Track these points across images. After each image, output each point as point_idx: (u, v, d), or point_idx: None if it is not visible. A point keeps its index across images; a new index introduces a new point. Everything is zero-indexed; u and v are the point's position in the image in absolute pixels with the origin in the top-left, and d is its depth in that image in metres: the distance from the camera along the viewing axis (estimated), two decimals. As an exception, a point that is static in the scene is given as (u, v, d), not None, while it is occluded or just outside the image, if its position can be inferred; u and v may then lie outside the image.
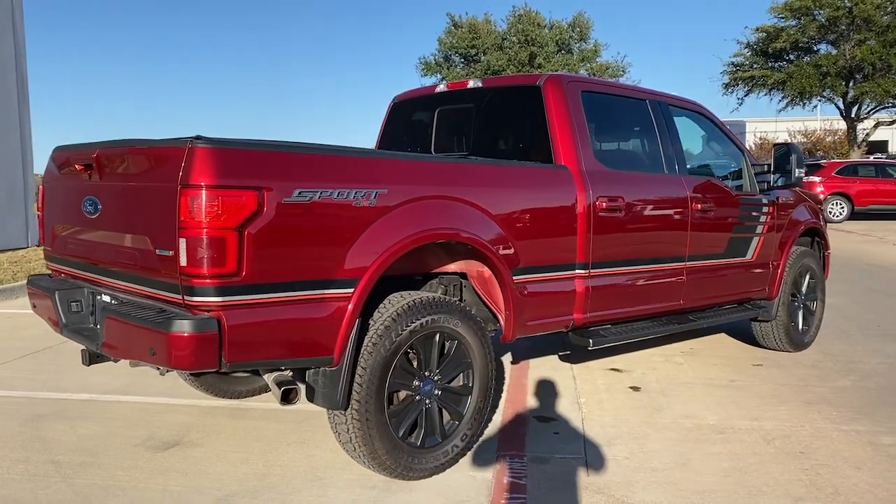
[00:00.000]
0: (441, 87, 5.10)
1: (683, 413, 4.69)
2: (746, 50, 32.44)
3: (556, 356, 6.10)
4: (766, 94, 32.43)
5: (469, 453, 3.94)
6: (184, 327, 2.85)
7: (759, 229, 5.71)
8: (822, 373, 5.72)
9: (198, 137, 2.90)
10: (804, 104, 32.01)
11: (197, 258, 2.84)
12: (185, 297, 2.92)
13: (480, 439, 4.17)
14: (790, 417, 4.63)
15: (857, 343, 6.72)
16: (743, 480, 3.66)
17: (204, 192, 2.83)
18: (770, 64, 31.99)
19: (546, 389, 5.21)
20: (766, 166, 5.64)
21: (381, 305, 3.51)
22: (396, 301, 3.53)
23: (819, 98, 31.68)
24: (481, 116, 5.03)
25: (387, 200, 3.34)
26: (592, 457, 3.96)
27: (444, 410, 3.76)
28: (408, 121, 5.44)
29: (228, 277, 2.88)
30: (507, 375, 5.58)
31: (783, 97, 31.70)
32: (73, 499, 3.38)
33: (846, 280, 10.71)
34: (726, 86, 33.41)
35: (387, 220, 3.33)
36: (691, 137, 5.66)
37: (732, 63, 33.10)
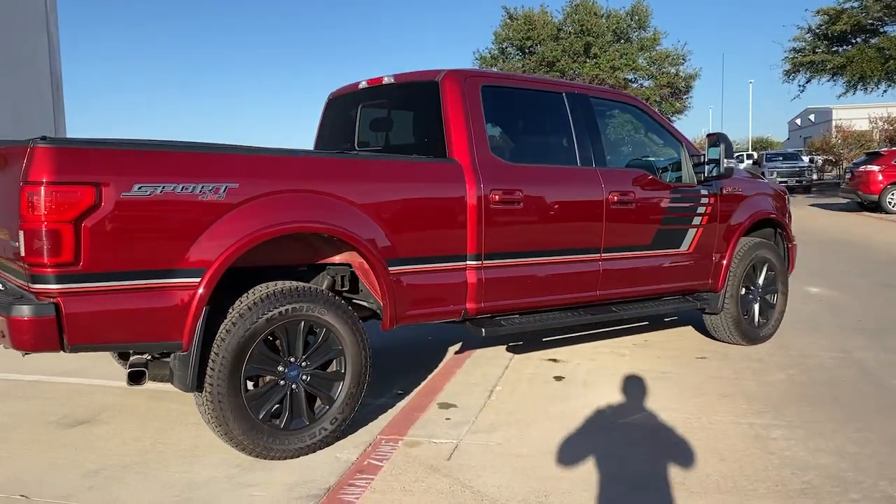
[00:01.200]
0: (363, 84, 5.25)
1: (587, 404, 4.71)
2: (808, 34, 31.05)
3: (504, 346, 6.19)
4: (828, 80, 31.00)
5: (352, 435, 4.12)
6: (22, 312, 3.13)
7: (697, 220, 5.64)
8: (764, 367, 5.62)
9: (43, 138, 3.16)
10: (866, 89, 30.43)
11: (34, 249, 3.11)
12: (30, 285, 3.20)
13: (371, 422, 4.35)
14: (694, 410, 4.60)
15: (822, 337, 6.54)
16: (597, 469, 3.71)
17: (42, 188, 3.09)
18: (833, 47, 30.52)
19: (469, 377, 5.32)
20: (702, 157, 5.57)
21: (245, 294, 3.71)
22: (259, 290, 3.73)
23: (887, 83, 30.04)
24: (393, 112, 5.16)
25: (238, 194, 3.53)
26: (466, 442, 4.06)
27: (316, 395, 3.94)
28: (339, 117, 5.60)
29: (66, 266, 3.14)
30: (441, 363, 5.72)
31: (845, 82, 30.24)
32: (-37, 468, 3.73)
33: (861, 273, 10.34)
34: (787, 73, 32.09)
35: (238, 213, 3.52)
36: (622, 131, 5.64)
37: (793, 48, 31.78)
